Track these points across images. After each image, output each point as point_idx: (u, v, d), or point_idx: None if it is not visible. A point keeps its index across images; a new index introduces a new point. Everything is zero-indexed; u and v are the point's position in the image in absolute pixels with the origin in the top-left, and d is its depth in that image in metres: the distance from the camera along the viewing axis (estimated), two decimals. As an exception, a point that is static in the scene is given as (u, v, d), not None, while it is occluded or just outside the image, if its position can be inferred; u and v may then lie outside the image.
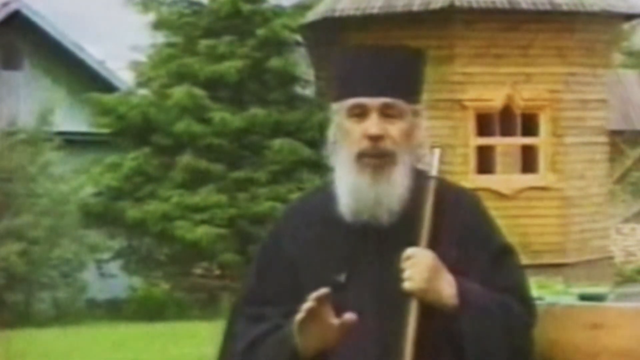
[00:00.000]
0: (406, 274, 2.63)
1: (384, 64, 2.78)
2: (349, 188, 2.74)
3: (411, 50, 2.92)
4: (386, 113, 2.74)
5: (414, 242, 2.68)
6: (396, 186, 2.73)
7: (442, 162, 2.77)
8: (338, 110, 2.80)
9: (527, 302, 2.77)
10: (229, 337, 2.84)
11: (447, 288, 2.65)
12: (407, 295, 2.63)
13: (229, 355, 2.83)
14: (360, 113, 2.75)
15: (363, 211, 2.73)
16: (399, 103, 2.75)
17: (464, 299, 2.65)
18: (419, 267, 2.63)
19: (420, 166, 2.81)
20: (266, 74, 18.91)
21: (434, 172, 2.76)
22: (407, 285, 2.63)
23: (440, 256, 2.67)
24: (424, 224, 2.69)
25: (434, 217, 2.71)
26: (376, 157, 2.72)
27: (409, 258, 2.65)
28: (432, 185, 2.73)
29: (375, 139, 2.72)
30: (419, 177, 2.77)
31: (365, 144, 2.73)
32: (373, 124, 2.72)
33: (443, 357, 2.67)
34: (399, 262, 2.66)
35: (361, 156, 2.73)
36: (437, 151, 2.78)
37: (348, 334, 2.67)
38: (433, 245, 2.68)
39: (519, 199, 17.27)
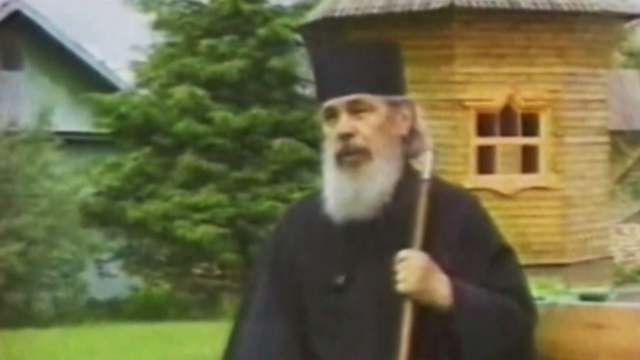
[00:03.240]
0: (400, 276, 2.65)
1: (347, 63, 2.80)
2: (332, 188, 2.78)
3: (377, 44, 2.95)
4: (355, 109, 2.76)
5: (409, 241, 2.69)
6: (374, 182, 2.74)
7: (436, 163, 2.77)
8: (320, 115, 2.84)
9: (526, 303, 2.77)
10: (235, 339, 2.85)
11: (441, 289, 2.66)
12: (402, 297, 2.64)
13: (233, 357, 2.83)
14: (332, 115, 2.79)
15: (345, 208, 2.75)
16: (366, 97, 2.76)
17: (459, 299, 2.66)
18: (411, 268, 2.65)
19: (417, 165, 2.81)
20: (267, 74, 18.92)
21: (426, 174, 2.76)
22: (400, 287, 2.64)
23: (438, 257, 2.68)
24: (417, 227, 2.70)
25: (432, 219, 2.72)
26: (351, 155, 2.75)
27: (402, 260, 2.66)
28: (424, 189, 2.74)
29: (344, 137, 2.75)
30: (414, 175, 2.78)
31: (339, 145, 2.76)
32: (342, 124, 2.75)
33: (439, 358, 2.68)
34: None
35: (339, 156, 2.76)
36: (429, 154, 2.79)
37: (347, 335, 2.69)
38: (429, 247, 2.69)
39: (519, 199, 17.26)
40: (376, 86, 2.78)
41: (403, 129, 2.81)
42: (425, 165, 2.77)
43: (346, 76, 2.77)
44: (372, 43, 2.98)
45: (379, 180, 2.74)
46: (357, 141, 2.75)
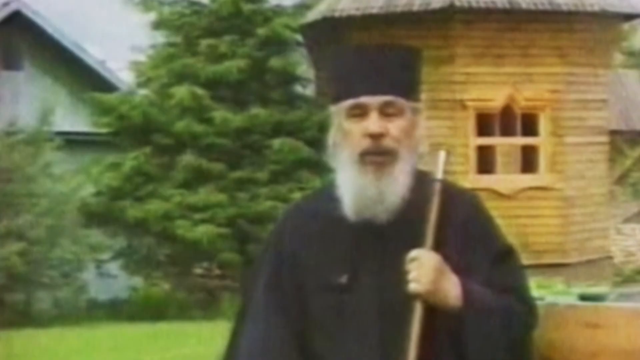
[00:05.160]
0: (412, 275, 2.63)
1: (381, 63, 2.78)
2: (353, 188, 2.74)
3: (407, 49, 2.93)
4: (386, 112, 2.74)
5: (415, 244, 2.67)
6: (398, 184, 2.73)
7: (447, 163, 2.77)
8: (337, 111, 2.79)
9: (528, 303, 2.77)
10: (235, 338, 2.84)
11: (452, 289, 2.65)
12: (412, 297, 2.63)
13: (233, 357, 2.83)
14: (360, 113, 2.75)
15: (365, 209, 2.73)
16: (399, 101, 2.75)
17: (468, 299, 2.65)
18: (424, 268, 2.63)
19: (421, 166, 2.81)
20: (267, 74, 18.91)
21: (439, 174, 2.75)
22: (412, 287, 2.63)
23: (443, 257, 2.67)
24: (429, 226, 2.69)
25: (437, 219, 2.71)
26: (378, 155, 2.72)
27: (414, 260, 2.64)
28: (437, 188, 2.73)
29: (376, 137, 2.72)
30: (421, 178, 2.78)
31: (366, 143, 2.73)
32: (373, 123, 2.72)
33: (445, 358, 2.68)
34: (401, 263, 2.65)
35: (363, 155, 2.73)
36: (442, 154, 2.78)
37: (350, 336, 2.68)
38: (436, 246, 2.68)
39: (519, 199, 17.27)
40: (407, 91, 2.78)
41: (418, 135, 2.82)
42: (438, 166, 2.76)
43: (382, 77, 2.75)
44: (402, 46, 2.97)
45: (401, 183, 2.73)
46: (388, 142, 2.72)
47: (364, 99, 2.74)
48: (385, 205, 2.72)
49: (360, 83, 2.76)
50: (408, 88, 2.79)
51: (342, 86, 2.80)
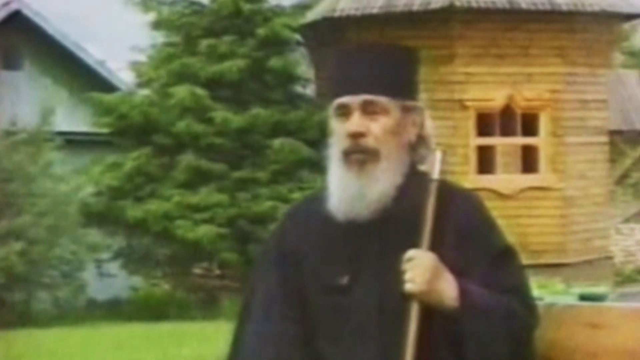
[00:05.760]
0: (407, 275, 2.63)
1: (366, 62, 2.79)
2: (337, 185, 2.77)
3: (397, 47, 2.94)
4: (368, 110, 2.75)
5: (414, 244, 2.68)
6: (379, 182, 2.73)
7: (444, 163, 2.76)
8: (330, 111, 2.83)
9: (528, 303, 2.77)
10: (238, 338, 2.85)
11: (449, 290, 2.65)
12: (407, 297, 2.63)
13: (236, 357, 2.83)
14: (344, 113, 2.78)
15: (348, 207, 2.74)
16: (381, 99, 2.76)
17: (465, 300, 2.65)
18: (420, 268, 2.63)
19: (424, 167, 2.81)
20: (267, 74, 18.91)
21: (435, 174, 2.75)
22: (408, 287, 2.63)
23: (441, 258, 2.67)
24: (425, 226, 2.69)
25: (435, 219, 2.71)
26: (360, 154, 2.74)
27: (410, 260, 2.64)
28: (433, 188, 2.73)
29: (355, 136, 2.74)
30: (419, 178, 2.77)
31: (348, 142, 2.75)
32: (353, 122, 2.74)
33: (443, 358, 2.67)
34: (399, 263, 2.66)
35: (347, 154, 2.75)
36: (438, 153, 2.78)
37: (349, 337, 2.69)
38: (434, 246, 2.68)
39: (519, 199, 17.28)
40: (393, 89, 2.78)
41: (412, 135, 2.81)
42: (434, 166, 2.76)
43: (364, 75, 2.77)
44: (392, 45, 2.99)
45: (382, 182, 2.74)
46: (368, 141, 2.74)
47: (346, 99, 2.77)
48: (365, 202, 2.73)
49: (343, 83, 2.79)
50: (395, 86, 2.78)
51: (331, 86, 2.84)
